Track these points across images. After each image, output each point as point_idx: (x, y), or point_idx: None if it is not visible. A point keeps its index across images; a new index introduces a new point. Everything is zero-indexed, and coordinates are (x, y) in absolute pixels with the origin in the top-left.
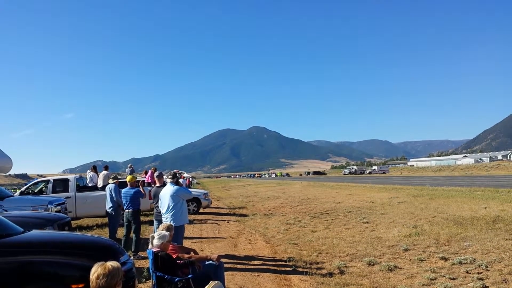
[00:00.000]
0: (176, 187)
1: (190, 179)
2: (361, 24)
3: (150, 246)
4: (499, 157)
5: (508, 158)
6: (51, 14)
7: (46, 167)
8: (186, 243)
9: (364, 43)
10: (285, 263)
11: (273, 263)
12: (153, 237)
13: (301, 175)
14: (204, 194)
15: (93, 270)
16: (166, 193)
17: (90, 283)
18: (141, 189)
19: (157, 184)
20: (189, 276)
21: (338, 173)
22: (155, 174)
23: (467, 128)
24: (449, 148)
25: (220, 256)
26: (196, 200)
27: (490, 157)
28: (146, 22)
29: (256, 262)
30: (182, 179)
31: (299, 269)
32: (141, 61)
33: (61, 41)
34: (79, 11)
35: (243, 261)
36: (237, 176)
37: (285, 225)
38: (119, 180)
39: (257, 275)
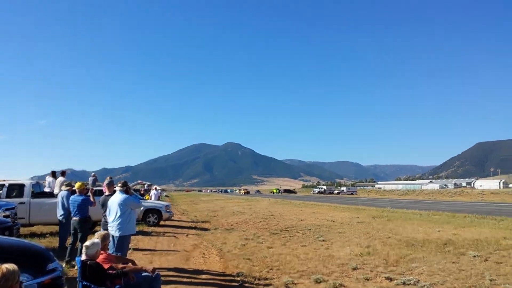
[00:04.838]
0: (124, 195)
1: (160, 191)
2: (337, 46)
3: (83, 256)
4: (464, 184)
5: (472, 185)
6: (22, 17)
7: (15, 173)
8: (137, 255)
9: (340, 66)
10: (233, 278)
11: (221, 277)
12: (86, 246)
13: (271, 192)
14: (166, 206)
15: None
16: (114, 201)
17: None
18: (91, 197)
19: (106, 193)
20: (117, 286)
21: (308, 192)
22: (105, 182)
23: (435, 155)
24: (417, 173)
25: (155, 268)
26: (157, 212)
27: (455, 184)
28: (122, 30)
29: (204, 276)
30: (155, 191)
31: (246, 285)
32: (117, 70)
33: (36, 45)
34: (53, 12)
35: (191, 275)
36: (208, 191)
37: (244, 241)
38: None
39: None
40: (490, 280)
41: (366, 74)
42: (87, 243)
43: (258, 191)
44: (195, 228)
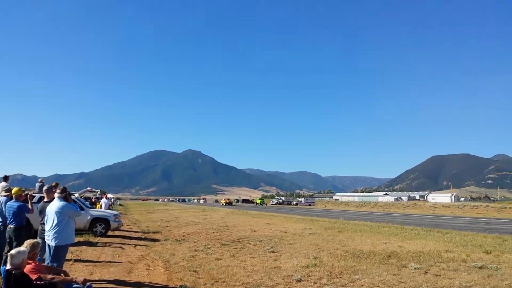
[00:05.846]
0: (62, 203)
1: (113, 200)
2: (298, 57)
3: (8, 265)
4: (417, 196)
5: (425, 198)
6: None
7: None
8: (78, 266)
9: (302, 78)
10: None
11: None
12: (11, 255)
13: (255, 204)
14: (115, 215)
15: None
16: (52, 209)
17: None
18: (29, 204)
19: (45, 199)
20: None
21: (267, 203)
22: (44, 188)
23: (391, 167)
24: (374, 185)
25: (86, 280)
26: (104, 221)
27: (409, 197)
28: (80, 31)
29: None
30: (105, 199)
31: None
32: (72, 72)
33: None
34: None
35: None
36: (165, 200)
37: (193, 252)
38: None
39: None
40: None
41: (326, 86)
42: (13, 251)
43: (216, 201)
44: (145, 239)
